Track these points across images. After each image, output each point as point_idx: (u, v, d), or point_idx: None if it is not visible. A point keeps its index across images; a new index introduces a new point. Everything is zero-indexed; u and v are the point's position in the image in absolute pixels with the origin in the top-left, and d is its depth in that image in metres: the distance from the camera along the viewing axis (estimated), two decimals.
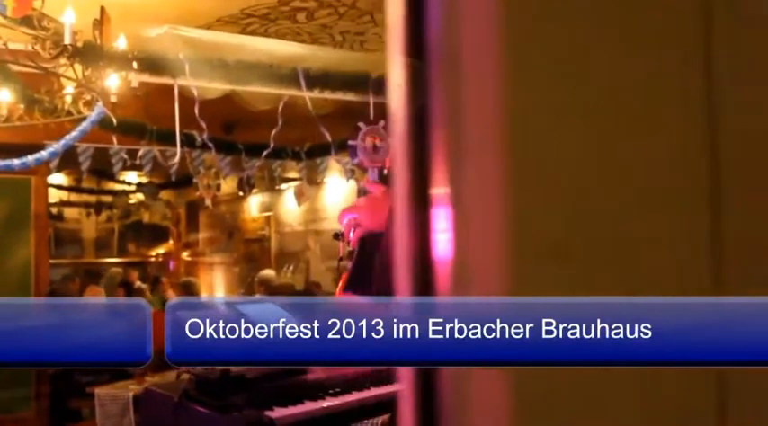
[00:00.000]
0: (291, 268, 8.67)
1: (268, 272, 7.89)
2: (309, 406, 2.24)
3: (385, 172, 4.15)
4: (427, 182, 0.72)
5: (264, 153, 5.31)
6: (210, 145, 5.04)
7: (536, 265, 0.73)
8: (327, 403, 2.30)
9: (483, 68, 0.70)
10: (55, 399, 5.82)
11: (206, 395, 2.12)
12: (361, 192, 7.11)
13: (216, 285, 9.64)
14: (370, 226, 1.75)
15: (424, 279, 0.73)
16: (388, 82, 0.81)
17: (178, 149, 4.69)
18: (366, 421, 2.88)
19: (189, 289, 7.71)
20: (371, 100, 4.44)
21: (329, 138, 4.90)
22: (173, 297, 7.79)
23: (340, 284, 1.96)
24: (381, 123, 4.58)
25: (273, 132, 4.80)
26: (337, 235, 2.61)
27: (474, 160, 0.70)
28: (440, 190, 0.71)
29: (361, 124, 4.42)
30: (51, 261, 6.85)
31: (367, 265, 1.75)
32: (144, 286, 8.03)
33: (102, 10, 3.70)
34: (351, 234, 1.88)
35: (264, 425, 2.11)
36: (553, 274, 0.74)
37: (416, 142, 0.73)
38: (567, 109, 0.73)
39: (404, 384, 0.75)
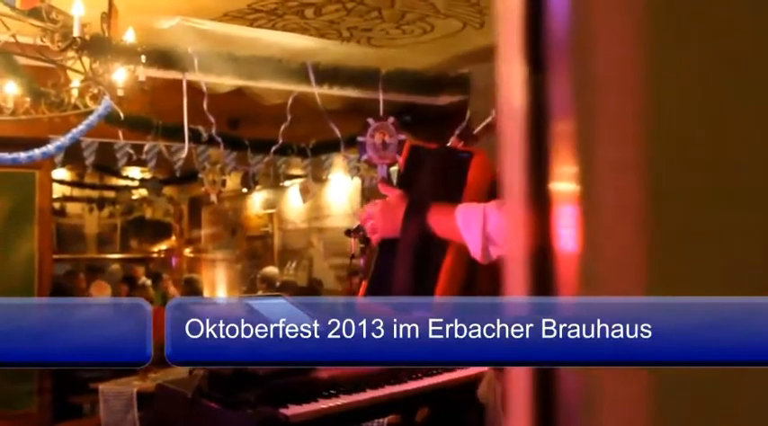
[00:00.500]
0: (294, 265, 8.64)
1: (270, 269, 7.86)
2: (324, 404, 2.22)
3: (393, 168, 4.09)
4: (545, 178, 0.69)
5: (273, 148, 5.29)
6: (219, 140, 5.02)
7: (678, 259, 0.69)
8: (342, 400, 2.27)
9: (619, 54, 0.66)
10: (56, 395, 5.80)
11: (220, 392, 2.09)
12: (366, 190, 7.09)
13: (218, 282, 9.62)
14: (385, 233, 1.74)
15: (542, 279, 0.69)
16: (492, 78, 0.78)
17: (186, 144, 4.66)
18: (375, 421, 2.86)
19: (192, 286, 7.69)
20: (381, 96, 4.42)
21: (338, 134, 4.87)
22: (175, 294, 7.77)
23: (360, 292, 1.93)
24: (390, 119, 4.57)
25: (282, 128, 4.77)
26: (349, 232, 2.59)
27: (608, 151, 0.67)
28: (564, 184, 0.68)
29: (370, 120, 4.41)
30: (54, 256, 6.82)
31: (387, 273, 1.74)
32: (148, 282, 8.01)
33: (111, 2, 3.67)
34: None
35: (279, 422, 2.08)
36: (696, 268, 0.71)
37: (532, 137, 0.70)
38: (712, 94, 0.69)
39: (517, 384, 0.72)
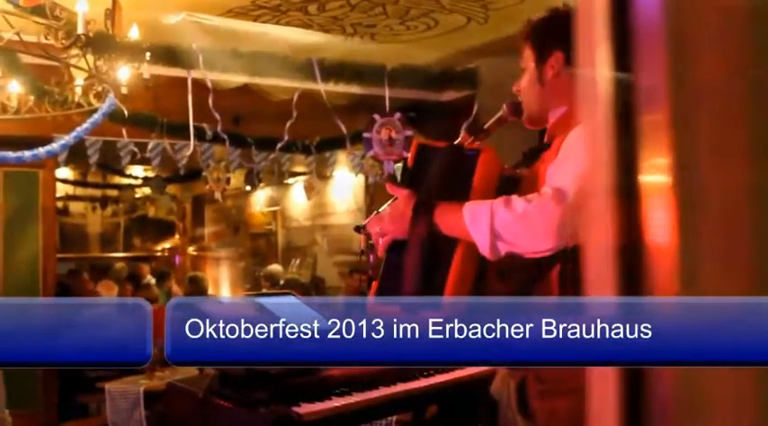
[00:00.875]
0: (298, 263, 8.63)
1: (274, 267, 7.84)
2: (337, 402, 2.20)
3: (398, 165, 4.06)
4: (635, 171, 0.66)
5: (279, 145, 5.28)
6: (224, 137, 5.00)
7: None
8: (354, 399, 2.26)
9: (719, 43, 0.64)
10: (63, 394, 5.79)
11: (232, 391, 2.08)
12: (371, 187, 7.07)
13: (222, 280, 9.60)
14: (394, 234, 1.73)
15: (632, 277, 0.67)
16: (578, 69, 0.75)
17: (191, 142, 4.64)
18: (383, 419, 2.84)
19: (196, 284, 7.68)
20: (387, 92, 4.40)
21: (344, 130, 4.85)
22: (178, 293, 7.75)
23: (371, 292, 1.92)
24: (396, 115, 4.55)
25: (288, 124, 4.75)
26: (359, 228, 2.58)
27: (709, 146, 0.64)
28: (659, 177, 0.65)
29: (376, 116, 4.39)
30: (57, 255, 6.80)
31: (397, 272, 1.73)
32: (153, 281, 7.99)
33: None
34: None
35: (292, 421, 2.06)
36: None
37: (622, 129, 0.67)
38: None
39: (604, 386, 0.69)
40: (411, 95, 5.27)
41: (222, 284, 9.52)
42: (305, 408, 2.12)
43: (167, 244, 10.58)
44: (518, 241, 1.60)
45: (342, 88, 4.63)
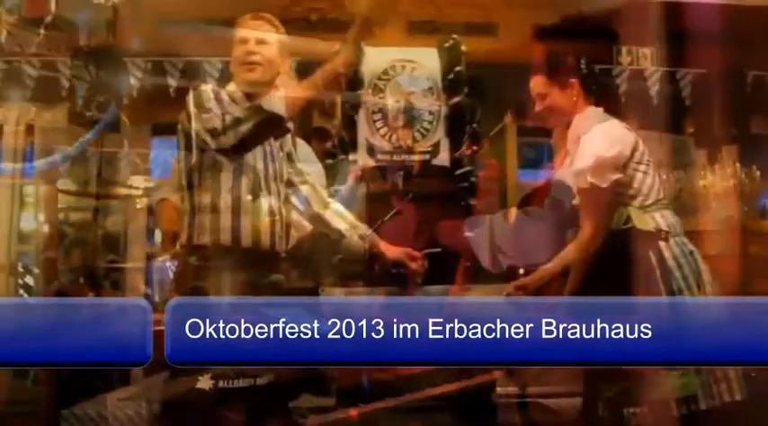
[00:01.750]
0: (298, 268, 8.61)
1: (276, 276, 7.82)
2: (343, 413, 2.21)
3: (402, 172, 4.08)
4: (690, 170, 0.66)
5: (279, 153, 5.26)
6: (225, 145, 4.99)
7: None
8: (361, 409, 2.26)
9: None
10: (62, 403, 5.77)
11: (237, 402, 2.08)
12: (372, 195, 7.06)
13: (223, 288, 9.57)
14: (399, 249, 1.76)
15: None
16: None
17: (193, 151, 4.63)
18: None
19: (197, 293, 7.66)
20: (389, 99, 4.42)
21: (346, 138, 4.87)
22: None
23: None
24: (400, 122, 4.56)
25: (289, 133, 4.75)
26: (362, 236, 2.59)
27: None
28: (715, 176, 0.65)
29: (379, 123, 4.40)
30: (60, 266, 6.80)
31: (402, 285, 1.74)
32: (152, 290, 7.98)
33: (116, 10, 3.68)
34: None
35: None
36: None
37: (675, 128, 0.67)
38: None
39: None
40: (413, 101, 5.28)
41: (224, 292, 9.48)
42: (312, 420, 2.12)
43: (169, 253, 10.56)
44: (518, 254, 1.62)
45: (343, 94, 4.65)
